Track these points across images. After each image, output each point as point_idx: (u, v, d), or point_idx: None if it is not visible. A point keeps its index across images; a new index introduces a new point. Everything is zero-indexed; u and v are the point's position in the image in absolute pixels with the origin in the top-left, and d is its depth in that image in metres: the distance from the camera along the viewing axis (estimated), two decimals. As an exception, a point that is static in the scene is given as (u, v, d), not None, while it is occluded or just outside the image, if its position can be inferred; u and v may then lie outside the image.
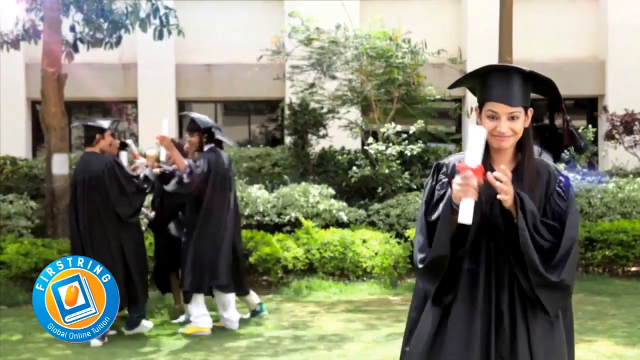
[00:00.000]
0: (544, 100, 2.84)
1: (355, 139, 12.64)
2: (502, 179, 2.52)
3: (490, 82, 2.69)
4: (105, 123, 7.07)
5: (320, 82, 12.41)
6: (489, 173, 2.53)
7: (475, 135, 2.55)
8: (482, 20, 13.96)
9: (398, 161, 10.82)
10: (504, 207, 2.60)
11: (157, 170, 7.09)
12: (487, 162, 2.72)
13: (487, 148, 2.73)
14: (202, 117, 7.39)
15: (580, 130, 11.59)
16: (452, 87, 2.91)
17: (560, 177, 2.78)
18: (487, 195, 2.65)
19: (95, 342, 6.55)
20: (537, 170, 2.74)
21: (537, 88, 2.78)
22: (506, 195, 2.53)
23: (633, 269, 10.19)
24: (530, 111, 2.72)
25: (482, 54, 13.42)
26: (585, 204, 10.42)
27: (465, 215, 2.50)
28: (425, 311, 2.80)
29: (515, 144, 2.73)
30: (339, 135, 12.60)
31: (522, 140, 2.73)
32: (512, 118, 2.66)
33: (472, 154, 2.54)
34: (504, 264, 2.68)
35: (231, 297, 7.16)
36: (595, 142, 12.01)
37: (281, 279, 9.44)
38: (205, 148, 7.20)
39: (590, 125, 11.69)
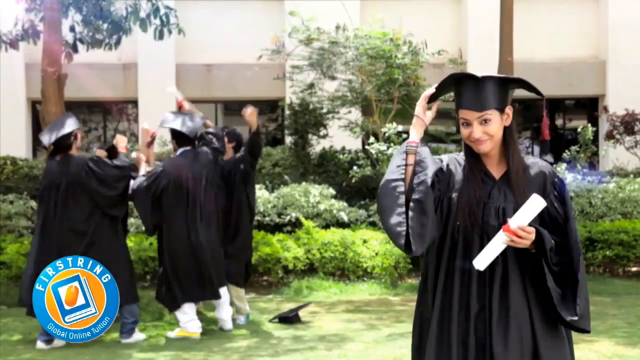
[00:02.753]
0: (542, 100, 2.84)
1: (356, 139, 12.63)
2: (522, 235, 2.57)
3: (460, 89, 2.72)
4: (72, 124, 6.83)
5: (320, 82, 12.40)
6: (511, 227, 2.58)
7: (533, 203, 2.59)
8: (483, 20, 13.96)
9: (398, 161, 10.79)
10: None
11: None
12: (480, 165, 2.75)
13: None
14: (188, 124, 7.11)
15: (579, 130, 11.57)
16: (432, 100, 2.83)
17: (555, 179, 2.77)
18: (477, 197, 2.67)
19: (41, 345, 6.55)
20: (525, 169, 2.74)
21: (517, 85, 2.81)
22: (522, 245, 2.61)
23: (634, 269, 10.18)
24: (510, 109, 2.72)
25: (483, 54, 13.46)
26: (586, 204, 10.41)
27: (482, 261, 2.59)
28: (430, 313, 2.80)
29: (500, 147, 2.75)
30: (340, 135, 12.60)
31: (505, 141, 2.74)
32: (484, 121, 2.67)
33: (519, 218, 2.58)
34: (495, 263, 2.69)
35: (224, 296, 7.13)
36: (594, 141, 11.98)
37: (281, 279, 9.44)
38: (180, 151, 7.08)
39: (589, 125, 11.66)
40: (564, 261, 2.70)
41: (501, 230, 2.59)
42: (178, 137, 7.05)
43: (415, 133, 2.74)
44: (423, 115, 2.76)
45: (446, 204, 2.72)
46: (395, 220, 2.63)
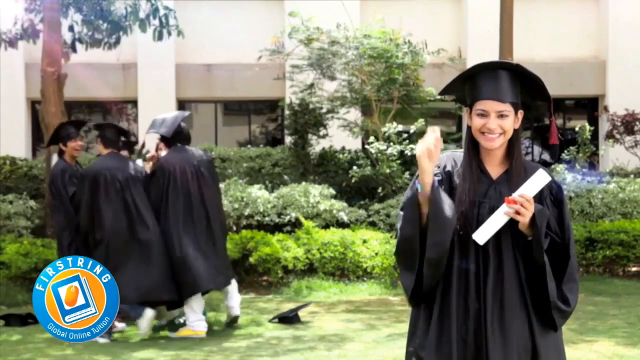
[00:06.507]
0: (543, 101, 2.85)
1: (356, 139, 12.63)
2: (525, 204, 2.58)
3: (478, 81, 2.72)
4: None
5: (320, 82, 12.39)
6: (513, 196, 2.60)
7: (538, 177, 2.64)
8: (483, 20, 13.95)
9: (398, 161, 10.79)
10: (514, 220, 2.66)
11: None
12: (478, 164, 2.75)
13: (478, 149, 2.76)
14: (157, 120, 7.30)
15: (577, 129, 11.55)
16: (442, 93, 2.91)
17: (552, 184, 2.78)
18: (472, 196, 2.68)
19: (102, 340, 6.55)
20: (525, 171, 2.74)
21: (525, 89, 2.80)
22: (524, 218, 2.59)
23: (633, 269, 10.18)
24: (521, 113, 2.75)
25: (483, 54, 13.40)
26: (585, 204, 10.40)
27: (482, 235, 2.62)
28: (425, 310, 2.79)
29: (506, 147, 2.76)
30: (339, 135, 12.59)
31: (512, 143, 2.75)
32: (501, 116, 2.69)
33: (522, 189, 2.61)
34: (491, 262, 2.68)
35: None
36: (593, 141, 11.96)
37: (281, 279, 9.43)
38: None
39: (586, 124, 11.63)
40: (559, 262, 2.70)
41: (504, 203, 2.60)
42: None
43: (423, 178, 2.64)
44: (428, 165, 2.63)
45: None
46: (410, 280, 2.71)
